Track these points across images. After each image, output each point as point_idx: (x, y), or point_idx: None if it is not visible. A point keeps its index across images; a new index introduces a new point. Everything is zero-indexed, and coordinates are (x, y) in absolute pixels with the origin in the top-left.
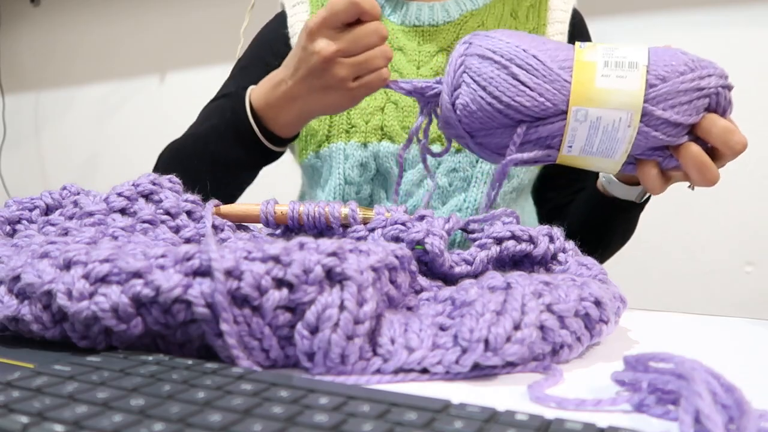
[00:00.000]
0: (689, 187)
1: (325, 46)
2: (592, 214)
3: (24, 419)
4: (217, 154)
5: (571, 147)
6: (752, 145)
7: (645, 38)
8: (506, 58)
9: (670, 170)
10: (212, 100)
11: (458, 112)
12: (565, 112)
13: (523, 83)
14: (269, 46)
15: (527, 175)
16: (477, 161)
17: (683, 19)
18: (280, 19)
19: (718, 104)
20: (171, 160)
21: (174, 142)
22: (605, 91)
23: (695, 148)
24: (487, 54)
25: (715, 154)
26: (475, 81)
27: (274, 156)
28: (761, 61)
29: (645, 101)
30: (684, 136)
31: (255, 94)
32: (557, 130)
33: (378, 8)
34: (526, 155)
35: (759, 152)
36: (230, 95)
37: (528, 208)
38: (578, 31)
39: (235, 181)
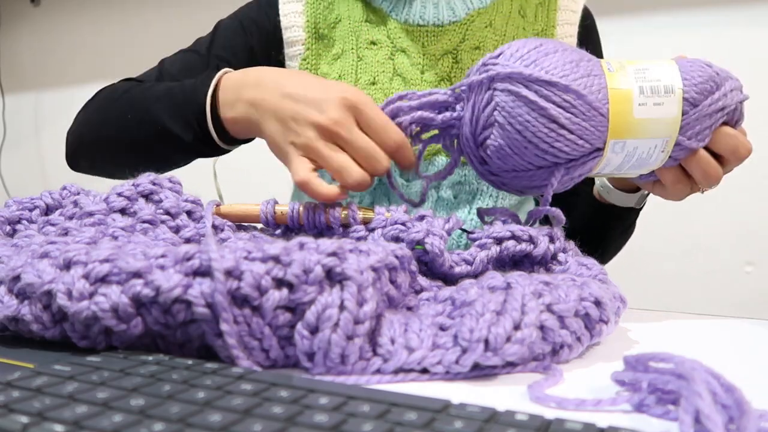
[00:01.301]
0: (700, 191)
1: (342, 120)
2: (591, 220)
3: (24, 419)
4: (159, 119)
5: (600, 171)
6: (752, 145)
7: (646, 38)
8: (541, 95)
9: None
10: (185, 51)
11: (488, 152)
12: (602, 149)
13: (562, 126)
14: (255, 24)
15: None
16: None
17: (683, 19)
18: (272, 2)
19: (733, 118)
20: (108, 101)
21: (127, 82)
22: (643, 121)
23: (704, 155)
24: (522, 92)
25: (721, 159)
26: (510, 123)
27: (216, 151)
28: (761, 61)
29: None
30: None
31: (227, 79)
32: (591, 166)
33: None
34: (560, 189)
35: (759, 152)
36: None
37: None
38: (588, 34)
39: (161, 158)
